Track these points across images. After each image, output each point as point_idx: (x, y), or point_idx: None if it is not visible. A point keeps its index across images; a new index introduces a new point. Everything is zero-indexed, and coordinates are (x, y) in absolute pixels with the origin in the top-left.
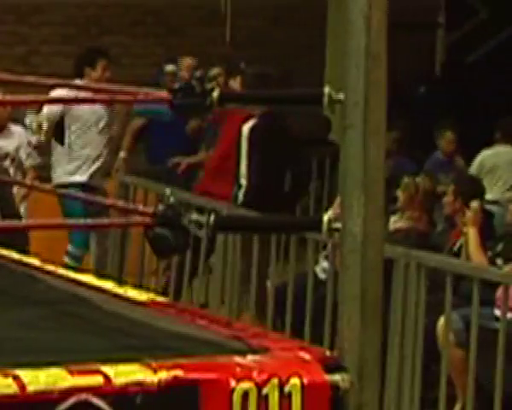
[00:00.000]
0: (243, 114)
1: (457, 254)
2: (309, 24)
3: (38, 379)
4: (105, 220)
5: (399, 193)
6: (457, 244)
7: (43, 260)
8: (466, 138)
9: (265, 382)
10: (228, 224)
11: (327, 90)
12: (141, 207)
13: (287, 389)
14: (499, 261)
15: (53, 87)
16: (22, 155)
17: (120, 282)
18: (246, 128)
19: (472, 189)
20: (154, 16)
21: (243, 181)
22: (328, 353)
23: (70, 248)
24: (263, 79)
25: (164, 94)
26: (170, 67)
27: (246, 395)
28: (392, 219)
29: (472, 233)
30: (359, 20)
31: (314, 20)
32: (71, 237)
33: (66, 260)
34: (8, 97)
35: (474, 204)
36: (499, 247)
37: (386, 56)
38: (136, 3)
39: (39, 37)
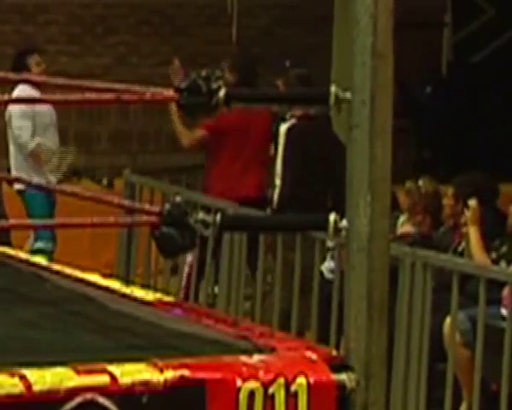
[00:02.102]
0: (268, 113)
1: (462, 255)
2: (315, 23)
3: (44, 379)
4: (111, 219)
5: (402, 197)
6: (461, 245)
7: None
8: (472, 139)
9: (271, 381)
10: (234, 223)
11: (333, 89)
12: (147, 207)
13: (293, 388)
14: (503, 264)
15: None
16: None
17: (127, 282)
18: (284, 127)
19: (471, 189)
20: (160, 16)
21: (278, 181)
22: (334, 352)
23: (40, 244)
24: (304, 79)
25: (170, 93)
26: None
27: (252, 394)
28: (400, 221)
29: (472, 232)
30: (366, 20)
31: (320, 19)
32: (37, 234)
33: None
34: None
35: (472, 202)
36: (504, 248)
37: (392, 56)
38: (142, 3)
39: (45, 36)
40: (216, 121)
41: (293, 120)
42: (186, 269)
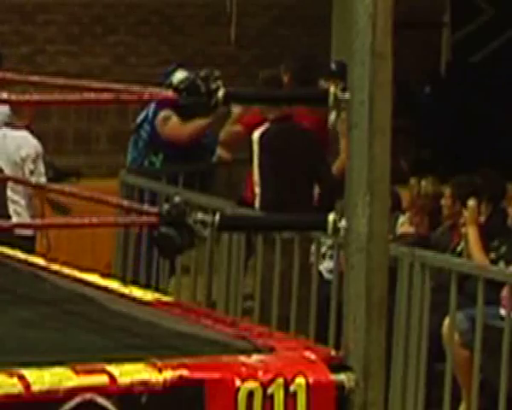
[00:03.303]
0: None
1: (460, 255)
2: (314, 23)
3: (43, 379)
4: (110, 219)
5: (406, 197)
6: (460, 245)
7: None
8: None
9: (270, 381)
10: (232, 223)
11: (332, 89)
12: (146, 207)
13: (292, 388)
14: (502, 264)
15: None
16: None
17: (125, 282)
18: (256, 134)
19: (469, 190)
20: (158, 16)
21: (257, 189)
22: (333, 352)
23: None
24: (274, 81)
25: (169, 94)
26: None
27: (251, 394)
28: (400, 221)
29: (471, 232)
30: (364, 20)
31: (319, 19)
32: None
33: None
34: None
35: (471, 202)
36: (503, 249)
37: (391, 56)
38: (141, 3)
39: (44, 36)
40: (252, 118)
41: (265, 125)
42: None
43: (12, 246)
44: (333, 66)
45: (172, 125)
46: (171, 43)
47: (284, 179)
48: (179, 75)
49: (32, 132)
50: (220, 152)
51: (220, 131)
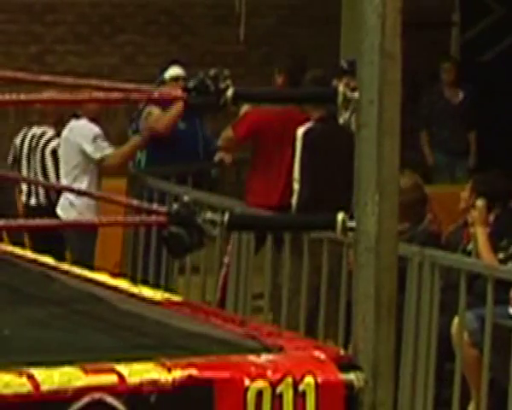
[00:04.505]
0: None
1: (470, 255)
2: (323, 23)
3: (52, 378)
4: (119, 219)
5: None
6: (470, 244)
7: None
8: (482, 139)
9: (280, 381)
10: (242, 222)
11: (341, 88)
12: (155, 207)
13: (301, 387)
14: (510, 264)
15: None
16: None
17: (135, 281)
18: (300, 131)
19: (486, 188)
20: (167, 15)
21: (296, 186)
22: (342, 352)
23: None
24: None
25: (178, 93)
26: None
27: (260, 393)
28: None
29: (479, 232)
30: (374, 19)
31: (328, 19)
32: None
33: None
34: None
35: (480, 203)
36: (511, 249)
37: (400, 55)
38: (150, 2)
39: (53, 36)
40: (250, 122)
41: (309, 123)
42: (223, 269)
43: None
44: (344, 64)
45: (153, 118)
46: (180, 43)
47: (324, 178)
48: (171, 71)
49: None
50: (221, 155)
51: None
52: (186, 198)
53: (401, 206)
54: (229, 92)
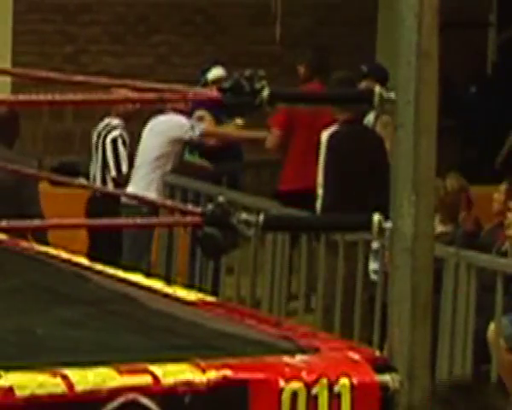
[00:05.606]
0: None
1: (505, 255)
2: (358, 23)
3: (87, 378)
4: (154, 220)
5: None
6: (505, 245)
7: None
8: None
9: (315, 382)
10: (277, 223)
11: (377, 89)
12: (190, 207)
13: (336, 389)
14: None
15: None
16: None
17: (169, 282)
18: (325, 135)
19: None
20: (203, 15)
21: (320, 191)
22: (377, 353)
23: None
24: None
25: (213, 93)
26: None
27: (295, 395)
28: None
29: None
30: (410, 19)
31: (364, 18)
32: None
33: None
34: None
35: None
36: None
37: (437, 55)
38: (185, 2)
39: (87, 36)
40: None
41: (335, 127)
42: None
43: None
44: (364, 68)
45: (206, 125)
46: (215, 43)
47: (350, 182)
48: (215, 72)
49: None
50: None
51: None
52: (221, 199)
53: (446, 208)
54: (265, 93)
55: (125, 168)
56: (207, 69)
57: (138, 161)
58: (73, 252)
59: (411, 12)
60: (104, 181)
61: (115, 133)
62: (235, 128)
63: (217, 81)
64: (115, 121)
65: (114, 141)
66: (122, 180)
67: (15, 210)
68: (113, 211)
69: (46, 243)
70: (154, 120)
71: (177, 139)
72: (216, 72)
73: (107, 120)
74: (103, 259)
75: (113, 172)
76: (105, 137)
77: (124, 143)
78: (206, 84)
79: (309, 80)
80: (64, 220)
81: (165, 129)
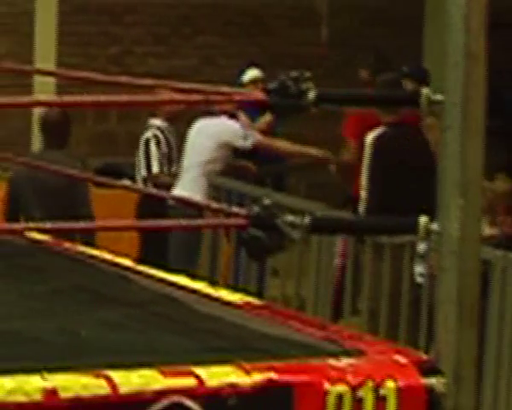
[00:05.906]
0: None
1: None
2: (404, 25)
3: (131, 380)
4: (199, 221)
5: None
6: None
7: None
8: None
9: (360, 385)
10: (323, 225)
11: (425, 91)
12: (235, 209)
13: (382, 392)
14: None
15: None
16: None
17: (213, 283)
18: (370, 137)
19: None
20: (247, 16)
21: (363, 194)
22: (423, 356)
23: None
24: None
25: (259, 95)
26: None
27: (340, 397)
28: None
29: None
30: (458, 20)
31: (410, 19)
32: None
33: None
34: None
35: None
36: None
37: (485, 56)
38: (230, 3)
39: (132, 37)
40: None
41: (380, 129)
42: (335, 272)
43: None
44: (405, 69)
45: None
46: (260, 44)
47: (395, 186)
48: (250, 73)
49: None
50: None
51: None
52: (266, 200)
53: (494, 210)
54: (312, 94)
55: (155, 168)
56: (244, 71)
57: (186, 162)
58: (119, 254)
59: (459, 13)
60: (145, 182)
61: (148, 134)
62: (285, 141)
63: (252, 82)
64: (152, 121)
65: (147, 141)
66: (153, 180)
67: (69, 211)
68: (161, 213)
69: (93, 245)
70: (203, 121)
71: (228, 144)
72: (251, 73)
73: (149, 122)
74: (153, 261)
75: (143, 172)
76: (141, 137)
77: (158, 143)
78: (241, 85)
79: (371, 84)
80: (110, 222)
81: (216, 132)
